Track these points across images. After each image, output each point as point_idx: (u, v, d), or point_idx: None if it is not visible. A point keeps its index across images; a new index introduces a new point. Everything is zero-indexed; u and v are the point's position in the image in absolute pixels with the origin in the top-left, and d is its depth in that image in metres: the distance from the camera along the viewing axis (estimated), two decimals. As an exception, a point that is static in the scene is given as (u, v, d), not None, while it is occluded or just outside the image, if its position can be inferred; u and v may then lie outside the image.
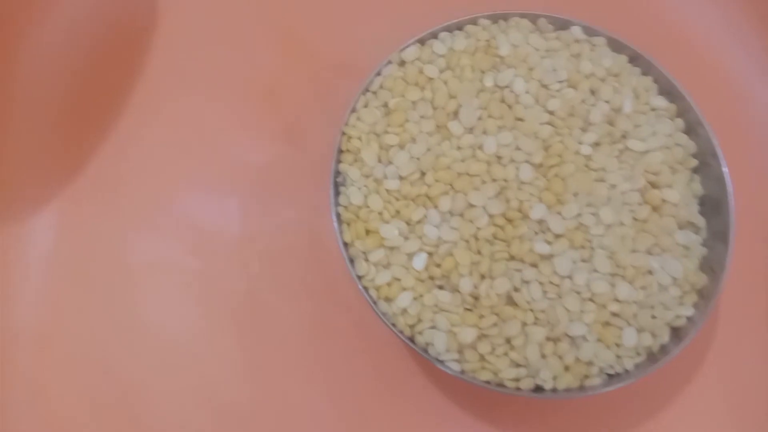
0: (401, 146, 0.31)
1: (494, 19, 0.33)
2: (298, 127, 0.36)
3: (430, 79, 0.32)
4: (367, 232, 0.30)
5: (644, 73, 0.33)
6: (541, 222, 0.29)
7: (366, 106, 0.32)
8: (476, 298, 0.29)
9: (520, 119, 0.31)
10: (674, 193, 0.30)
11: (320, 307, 0.33)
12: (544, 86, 0.31)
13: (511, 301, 0.29)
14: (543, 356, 0.28)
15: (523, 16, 0.33)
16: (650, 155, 0.30)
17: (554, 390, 0.28)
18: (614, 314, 0.29)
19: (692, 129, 0.31)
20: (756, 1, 0.38)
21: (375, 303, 0.30)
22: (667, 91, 0.32)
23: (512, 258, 0.29)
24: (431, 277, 0.29)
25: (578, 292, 0.29)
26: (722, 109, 0.33)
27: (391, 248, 0.30)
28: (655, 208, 0.30)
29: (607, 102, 0.31)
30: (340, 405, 0.32)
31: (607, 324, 0.29)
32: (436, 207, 0.30)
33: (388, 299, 0.29)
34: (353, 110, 0.32)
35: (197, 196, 0.35)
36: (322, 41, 0.37)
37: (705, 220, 0.31)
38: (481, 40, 0.32)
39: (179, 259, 0.34)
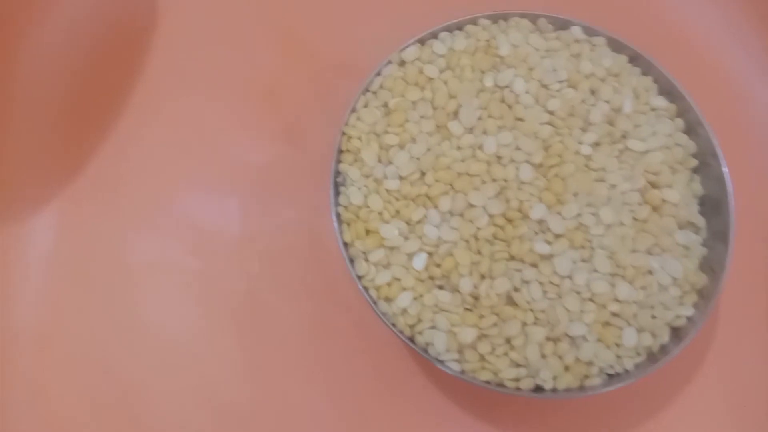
0: (401, 146, 0.31)
1: (494, 19, 0.33)
2: (298, 127, 0.36)
3: (430, 79, 0.32)
4: (367, 232, 0.30)
5: (644, 73, 0.33)
6: (541, 222, 0.29)
7: (366, 106, 0.32)
8: (476, 298, 0.29)
9: (520, 119, 0.31)
10: (674, 193, 0.30)
11: (320, 307, 0.33)
12: (544, 86, 0.31)
13: (511, 301, 0.29)
14: (543, 356, 0.28)
15: (523, 16, 0.33)
16: (650, 155, 0.31)
17: (554, 390, 0.29)
18: (614, 314, 0.29)
19: (692, 129, 0.32)
20: (756, 1, 0.38)
21: (375, 303, 0.30)
22: (667, 91, 0.32)
23: (512, 258, 0.29)
24: (431, 277, 0.29)
25: (578, 292, 0.29)
26: (722, 109, 0.34)
27: (391, 248, 0.30)
28: (655, 208, 0.30)
29: (607, 102, 0.31)
30: (340, 405, 0.32)
31: (607, 324, 0.29)
32: (436, 207, 0.30)
33: (388, 299, 0.30)
34: (353, 110, 0.32)
35: (197, 196, 0.35)
36: (322, 41, 0.38)
37: (705, 220, 0.31)
38: (481, 40, 0.32)
39: (179, 259, 0.34)
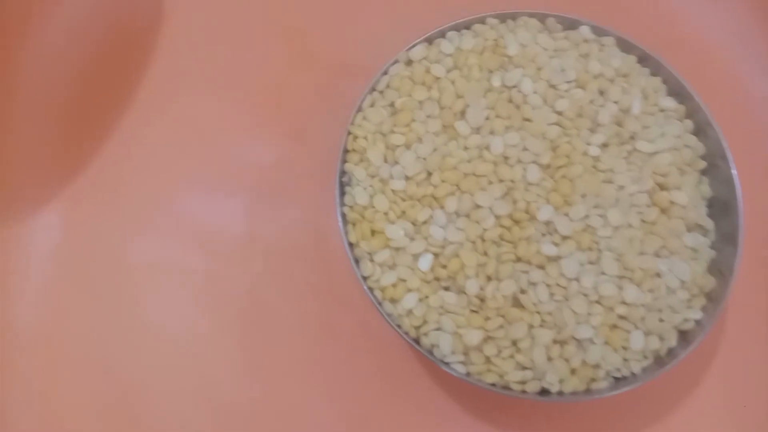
0: (407, 146, 0.31)
1: (502, 18, 0.33)
2: (303, 126, 0.36)
3: (437, 78, 0.32)
4: (373, 232, 0.30)
5: (653, 74, 0.33)
6: (548, 223, 0.29)
7: (372, 105, 0.32)
8: (482, 299, 0.29)
9: (528, 119, 0.31)
10: (682, 195, 0.30)
11: (324, 308, 0.33)
12: (553, 86, 0.31)
13: (517, 303, 0.29)
14: (549, 359, 0.28)
15: (531, 15, 0.33)
16: (659, 156, 0.31)
17: (560, 393, 0.29)
18: (621, 317, 0.29)
19: (701, 130, 0.32)
20: (766, 3, 0.38)
21: (380, 304, 0.30)
22: (677, 92, 0.32)
23: (519, 259, 0.29)
24: (437, 279, 0.29)
25: (585, 295, 0.29)
26: (732, 111, 0.34)
27: (397, 249, 0.30)
28: (663, 210, 0.30)
29: (615, 103, 0.31)
30: (344, 406, 0.32)
31: (614, 327, 0.29)
32: (442, 207, 0.30)
33: (393, 300, 0.30)
34: (359, 109, 0.32)
35: (200, 196, 0.35)
36: (328, 40, 0.38)
37: (713, 223, 0.31)
38: (488, 39, 0.32)
39: (181, 259, 0.34)
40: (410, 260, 0.30)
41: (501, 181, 0.30)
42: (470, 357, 0.29)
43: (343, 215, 0.31)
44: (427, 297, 0.29)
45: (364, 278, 0.30)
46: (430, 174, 0.30)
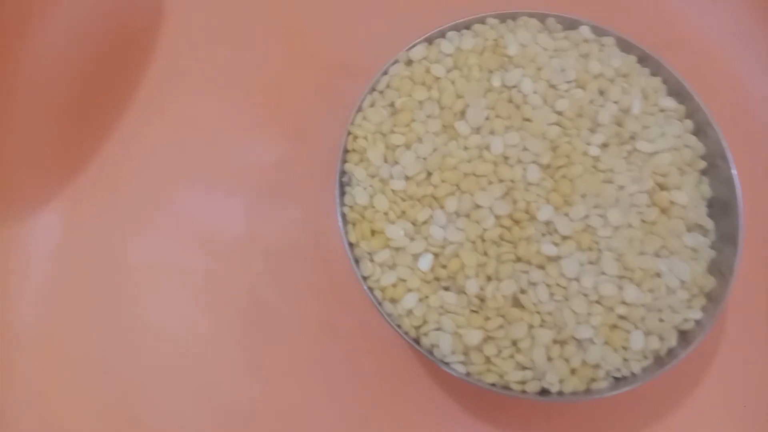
0: (407, 146, 0.31)
1: (502, 18, 0.33)
2: (303, 126, 0.36)
3: (437, 78, 0.32)
4: (373, 232, 0.30)
5: (653, 74, 0.33)
6: (548, 223, 0.30)
7: (372, 105, 0.32)
8: (482, 299, 0.29)
9: (528, 119, 0.31)
10: (682, 195, 0.30)
11: (324, 308, 0.34)
12: (553, 86, 0.32)
13: (517, 303, 0.29)
14: (549, 359, 0.29)
15: (531, 15, 0.33)
16: (659, 157, 0.31)
17: (560, 393, 0.29)
18: (621, 317, 0.29)
19: (701, 130, 0.32)
20: (766, 3, 0.38)
21: (380, 304, 0.30)
22: (677, 92, 0.32)
23: (519, 259, 0.29)
24: (437, 279, 0.30)
25: (585, 295, 0.29)
26: (732, 111, 0.34)
27: (397, 249, 0.30)
28: (663, 210, 0.30)
29: (615, 103, 0.31)
30: (343, 407, 0.32)
31: (614, 327, 0.29)
32: (442, 207, 0.30)
33: (393, 300, 0.30)
34: (359, 109, 0.32)
35: (200, 196, 0.36)
36: (328, 40, 0.38)
37: (713, 223, 0.31)
38: (488, 39, 0.32)
39: (181, 260, 0.35)
40: (410, 260, 0.30)
41: (501, 181, 0.30)
42: (470, 357, 0.29)
43: (343, 215, 0.31)
44: (427, 297, 0.29)
45: (364, 278, 0.30)
46: (430, 174, 0.30)
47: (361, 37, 0.37)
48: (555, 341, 0.29)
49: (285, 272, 0.34)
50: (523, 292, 0.29)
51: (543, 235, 0.29)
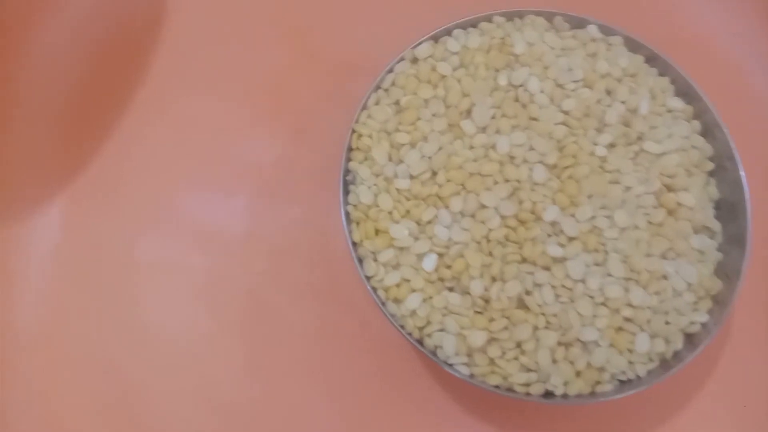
0: (412, 145, 0.31)
1: (509, 16, 0.33)
2: (307, 125, 0.36)
3: (443, 76, 0.32)
4: (377, 231, 0.30)
5: (661, 74, 0.33)
6: (554, 224, 0.30)
7: (377, 103, 0.32)
8: (487, 300, 0.29)
9: (534, 119, 0.31)
10: (690, 196, 0.30)
11: (325, 308, 0.34)
12: (559, 86, 0.32)
13: (522, 305, 0.29)
14: (554, 361, 0.29)
15: (538, 13, 0.33)
16: (666, 157, 0.31)
17: (565, 396, 0.29)
18: (627, 319, 0.29)
19: (709, 131, 0.32)
20: (775, 4, 0.39)
21: (383, 304, 0.30)
22: (684, 92, 0.33)
23: (524, 260, 0.29)
24: (441, 279, 0.30)
25: (591, 297, 0.29)
26: (740, 112, 0.34)
27: (401, 249, 0.30)
28: (670, 212, 0.30)
29: (623, 102, 0.32)
30: (344, 407, 0.33)
31: (619, 329, 0.29)
32: (447, 207, 0.30)
33: (397, 300, 0.30)
34: (364, 107, 0.32)
35: (202, 195, 0.36)
36: (333, 38, 0.38)
37: (720, 225, 0.31)
38: (495, 37, 0.32)
39: (182, 259, 0.35)
40: (414, 260, 0.30)
41: (507, 180, 0.30)
42: (474, 358, 0.29)
43: (347, 214, 0.31)
44: (431, 297, 0.30)
45: (368, 278, 0.30)
46: (435, 173, 0.31)
47: (366, 34, 0.37)
48: (560, 343, 0.29)
49: (286, 272, 0.34)
50: (528, 293, 0.29)
51: (549, 235, 0.30)
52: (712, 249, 0.31)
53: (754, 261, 0.30)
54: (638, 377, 0.29)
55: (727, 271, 0.30)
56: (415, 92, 0.32)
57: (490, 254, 0.30)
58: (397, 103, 0.32)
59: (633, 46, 0.33)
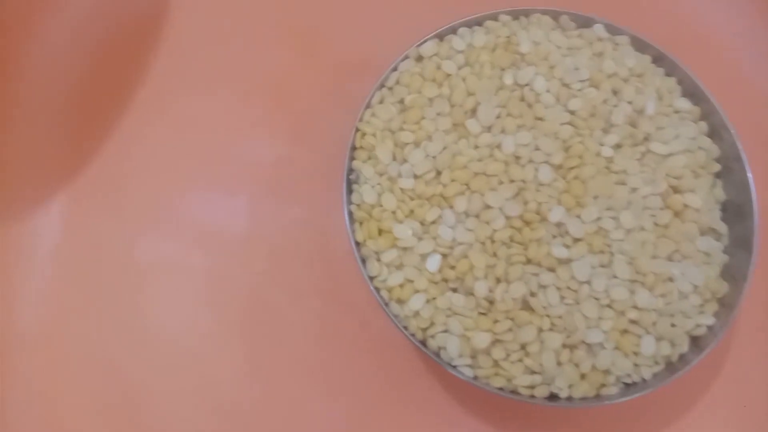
0: (417, 144, 0.31)
1: (515, 14, 0.33)
2: (310, 124, 0.36)
3: (448, 75, 0.32)
4: (380, 231, 0.30)
5: (668, 74, 0.33)
6: (559, 225, 0.30)
7: (381, 102, 0.32)
8: (491, 302, 0.29)
9: (540, 119, 0.31)
10: (696, 198, 0.30)
11: (326, 308, 0.34)
12: (566, 85, 0.32)
13: (527, 306, 0.29)
14: (559, 363, 0.29)
15: (544, 12, 0.33)
16: (673, 158, 0.31)
17: (570, 398, 0.29)
18: (633, 322, 0.29)
19: (716, 133, 0.32)
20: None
21: (387, 305, 0.30)
22: (691, 93, 0.32)
23: (529, 261, 0.29)
24: (445, 280, 0.30)
25: (596, 299, 0.29)
26: (747, 114, 0.34)
27: (404, 249, 0.30)
28: (676, 213, 0.30)
29: (629, 103, 0.31)
30: (345, 408, 0.33)
31: (625, 332, 0.29)
32: (451, 207, 0.30)
33: (400, 301, 0.30)
34: (368, 106, 0.32)
35: (203, 195, 0.36)
36: (336, 36, 0.38)
37: (727, 227, 0.31)
38: (501, 36, 0.32)
39: (183, 259, 0.35)
40: (418, 260, 0.30)
41: (512, 181, 0.30)
42: (478, 360, 0.29)
43: (350, 213, 0.31)
44: (434, 298, 0.29)
45: (371, 278, 0.30)
46: (439, 173, 0.30)
47: (370, 32, 0.37)
48: (565, 345, 0.29)
49: (288, 272, 0.34)
50: (532, 294, 0.29)
51: (554, 236, 0.30)
52: (718, 251, 0.30)
53: (761, 263, 0.30)
54: (643, 380, 0.29)
55: (734, 274, 0.30)
56: (419, 91, 0.32)
57: (495, 255, 0.29)
58: (401, 101, 0.32)
59: (640, 45, 0.33)
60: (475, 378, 0.29)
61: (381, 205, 0.31)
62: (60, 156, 0.36)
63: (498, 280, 0.29)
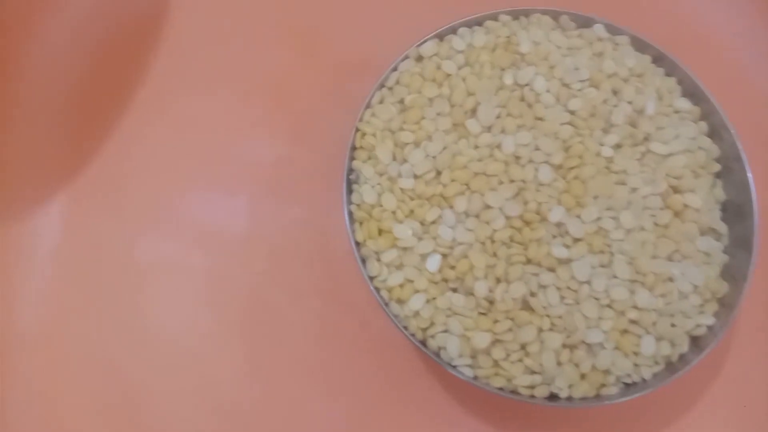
0: (417, 144, 0.31)
1: (515, 15, 0.33)
2: (310, 124, 0.36)
3: (448, 75, 0.32)
4: (380, 231, 0.30)
5: (668, 74, 0.33)
6: (559, 225, 0.30)
7: (381, 102, 0.32)
8: (491, 302, 0.29)
9: (540, 119, 0.31)
10: (696, 198, 0.30)
11: (326, 308, 0.34)
12: (566, 85, 0.32)
13: (527, 306, 0.29)
14: (559, 363, 0.29)
15: (544, 12, 0.33)
16: (673, 158, 0.31)
17: (570, 398, 0.29)
18: (633, 322, 0.29)
19: (716, 133, 0.32)
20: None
21: (387, 305, 0.30)
22: (691, 93, 0.32)
23: (529, 261, 0.29)
24: (445, 280, 0.30)
25: (596, 299, 0.29)
26: (747, 113, 0.34)
27: (404, 249, 0.30)
28: (676, 213, 0.30)
29: (629, 103, 0.32)
30: (345, 408, 0.33)
31: (625, 332, 0.29)
32: (451, 207, 0.30)
33: (400, 301, 0.30)
34: (368, 106, 0.32)
35: (203, 195, 0.36)
36: (336, 36, 0.38)
37: (727, 227, 0.31)
38: (501, 36, 0.32)
39: (184, 259, 0.35)
40: (418, 260, 0.30)
41: (512, 181, 0.30)
42: (478, 360, 0.29)
43: (350, 213, 0.31)
44: (434, 298, 0.30)
45: (371, 278, 0.30)
46: (439, 173, 0.31)
47: (370, 32, 0.37)
48: (565, 345, 0.29)
49: (288, 272, 0.34)
50: (532, 294, 0.29)
51: (554, 236, 0.30)
52: (718, 251, 0.31)
53: (761, 263, 0.30)
54: (643, 380, 0.29)
55: (734, 274, 0.30)
56: (419, 91, 0.32)
57: (495, 255, 0.29)
58: (401, 101, 0.32)
59: (640, 45, 0.33)
60: (475, 378, 0.29)
61: (381, 205, 0.31)
62: (60, 156, 0.36)
63: (498, 280, 0.29)
